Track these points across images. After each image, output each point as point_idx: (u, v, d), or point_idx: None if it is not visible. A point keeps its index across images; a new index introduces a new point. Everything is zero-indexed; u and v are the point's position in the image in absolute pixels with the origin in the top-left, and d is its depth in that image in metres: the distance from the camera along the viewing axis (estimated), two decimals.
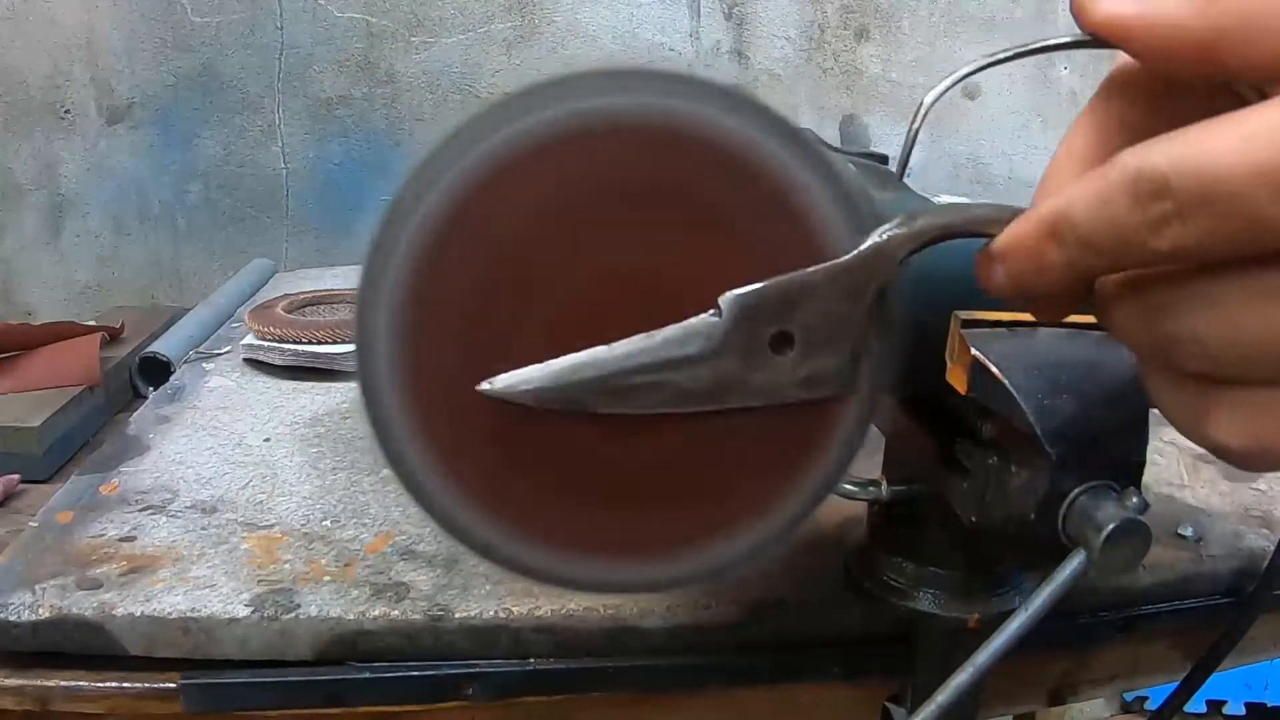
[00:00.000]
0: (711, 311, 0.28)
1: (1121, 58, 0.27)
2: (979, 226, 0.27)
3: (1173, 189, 0.20)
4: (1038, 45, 0.30)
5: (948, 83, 0.32)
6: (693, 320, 0.28)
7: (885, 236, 0.27)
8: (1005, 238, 0.25)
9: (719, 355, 0.28)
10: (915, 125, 0.33)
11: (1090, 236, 0.22)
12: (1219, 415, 0.22)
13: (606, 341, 0.28)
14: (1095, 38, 0.25)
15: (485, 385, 0.28)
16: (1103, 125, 0.27)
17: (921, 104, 0.32)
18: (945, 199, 0.41)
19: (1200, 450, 0.24)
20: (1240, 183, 0.19)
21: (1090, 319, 0.33)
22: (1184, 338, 0.22)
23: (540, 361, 0.28)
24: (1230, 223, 0.20)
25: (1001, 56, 0.31)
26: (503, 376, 0.28)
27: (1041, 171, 0.28)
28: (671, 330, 0.28)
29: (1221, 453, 0.23)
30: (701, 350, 0.28)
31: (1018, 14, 1.28)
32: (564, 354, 0.28)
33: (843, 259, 0.28)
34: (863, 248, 0.28)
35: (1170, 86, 0.26)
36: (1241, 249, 0.20)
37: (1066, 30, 0.28)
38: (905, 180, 0.44)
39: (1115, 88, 0.27)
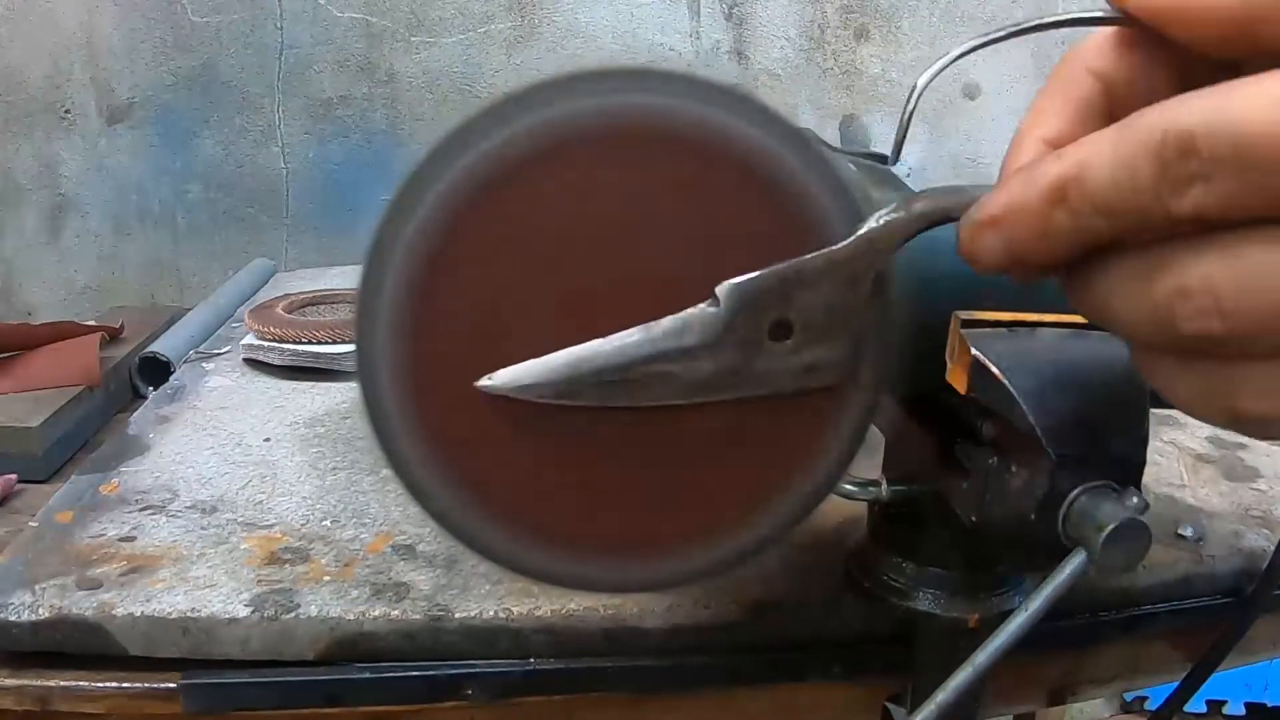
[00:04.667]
0: (709, 301, 0.28)
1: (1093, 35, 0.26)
2: None
3: (1199, 149, 0.20)
4: (1032, 24, 0.29)
5: (941, 63, 0.31)
6: (691, 311, 0.28)
7: (881, 222, 0.27)
8: (1002, 202, 0.24)
9: (719, 345, 0.28)
10: (909, 108, 0.32)
11: (1105, 199, 0.22)
12: (1248, 381, 0.21)
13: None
14: (1121, 17, 0.25)
15: (485, 381, 0.28)
16: (1077, 90, 0.27)
17: (915, 87, 0.32)
18: None
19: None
20: (1272, 145, 0.19)
21: None
22: (1194, 289, 0.21)
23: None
24: (1257, 184, 0.19)
25: (995, 36, 0.30)
26: (501, 372, 0.28)
27: None
28: (669, 321, 0.28)
29: (1253, 425, 0.22)
30: (701, 340, 0.28)
31: (1017, 14, 1.28)
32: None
33: (839, 245, 0.27)
34: (859, 234, 0.27)
35: (1155, 58, 0.26)
36: (1266, 211, 0.20)
37: (1066, 31, 0.27)
38: (905, 179, 0.44)
39: (1088, 56, 0.27)
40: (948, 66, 0.30)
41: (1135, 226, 0.22)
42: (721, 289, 0.27)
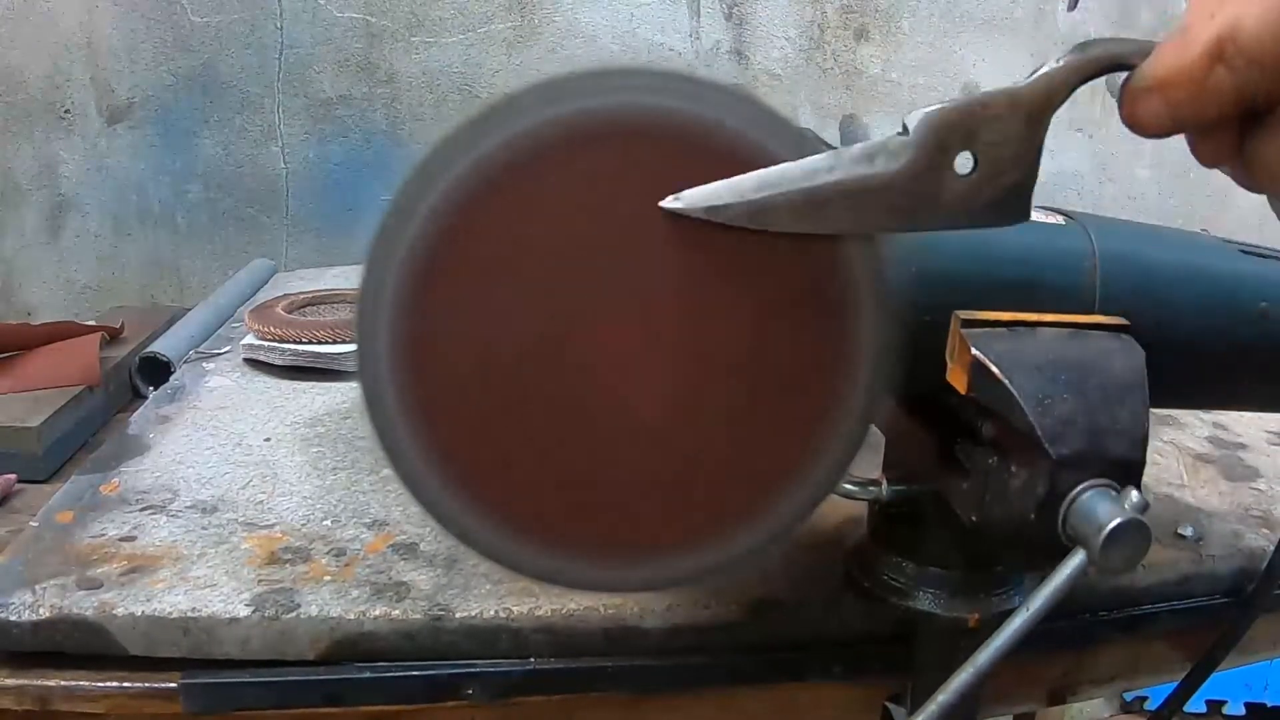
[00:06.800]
0: (899, 131, 0.28)
1: None
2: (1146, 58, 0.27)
3: None
4: None
5: None
6: (880, 139, 0.28)
7: (1061, 63, 0.28)
8: (1164, 64, 0.25)
9: (906, 170, 0.28)
10: None
11: (1260, 51, 0.23)
12: None
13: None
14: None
15: (670, 201, 0.28)
16: None
17: None
18: None
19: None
20: None
21: (1091, 319, 0.33)
22: None
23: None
24: None
25: None
26: (689, 192, 0.28)
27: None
28: (859, 148, 0.28)
29: None
30: (889, 167, 0.28)
31: (1017, 14, 1.28)
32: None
33: (1021, 84, 0.28)
34: (1038, 73, 0.28)
35: None
36: None
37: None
38: None
39: None
40: None
41: None
42: (911, 118, 0.28)
